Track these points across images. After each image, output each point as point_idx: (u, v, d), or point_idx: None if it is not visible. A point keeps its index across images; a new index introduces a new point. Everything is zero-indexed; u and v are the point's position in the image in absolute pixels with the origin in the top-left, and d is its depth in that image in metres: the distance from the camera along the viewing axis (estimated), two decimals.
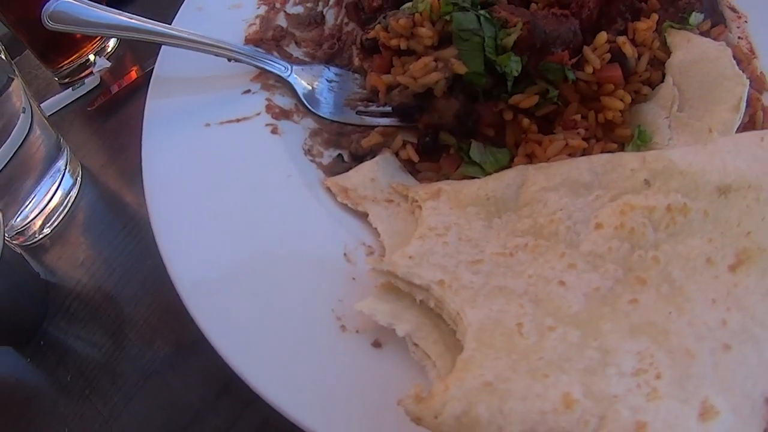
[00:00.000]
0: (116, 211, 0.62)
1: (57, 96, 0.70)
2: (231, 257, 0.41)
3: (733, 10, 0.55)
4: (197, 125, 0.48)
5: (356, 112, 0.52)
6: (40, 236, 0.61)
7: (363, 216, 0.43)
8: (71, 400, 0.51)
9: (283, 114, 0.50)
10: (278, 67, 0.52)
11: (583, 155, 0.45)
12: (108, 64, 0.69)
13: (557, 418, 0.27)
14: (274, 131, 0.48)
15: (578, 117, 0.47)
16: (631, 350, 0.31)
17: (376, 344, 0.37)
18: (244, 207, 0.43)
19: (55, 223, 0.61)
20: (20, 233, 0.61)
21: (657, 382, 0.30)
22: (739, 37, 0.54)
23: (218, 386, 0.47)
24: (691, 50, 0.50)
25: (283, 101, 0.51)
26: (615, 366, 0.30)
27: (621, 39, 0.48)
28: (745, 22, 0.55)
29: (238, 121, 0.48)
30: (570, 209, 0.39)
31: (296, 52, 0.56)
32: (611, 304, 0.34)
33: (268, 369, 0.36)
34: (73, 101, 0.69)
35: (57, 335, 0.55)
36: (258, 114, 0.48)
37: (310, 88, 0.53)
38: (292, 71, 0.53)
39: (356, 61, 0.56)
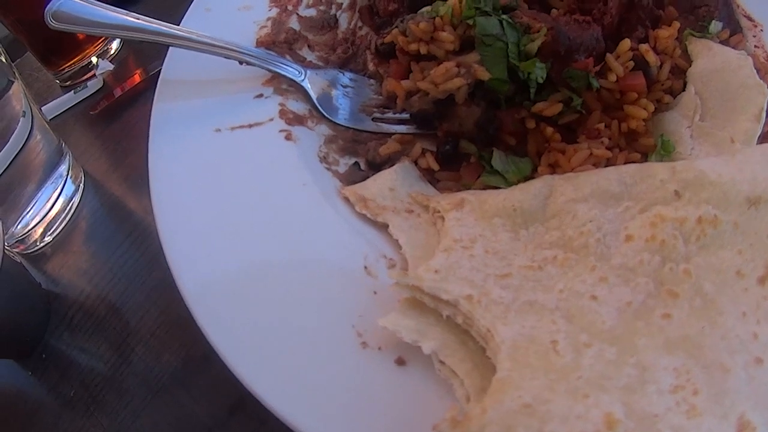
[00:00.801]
0: (120, 219, 0.59)
1: (58, 99, 0.67)
2: (244, 270, 0.39)
3: (749, 18, 0.55)
4: (207, 130, 0.46)
5: (372, 119, 0.51)
6: (42, 244, 0.59)
7: (383, 227, 0.42)
8: (75, 416, 0.49)
9: (297, 120, 0.48)
10: (291, 71, 0.51)
11: (607, 165, 0.44)
12: (111, 66, 0.67)
13: None
14: (288, 137, 0.46)
15: (602, 126, 0.46)
16: (668, 366, 0.31)
17: (400, 362, 0.35)
18: (258, 217, 0.41)
19: (57, 231, 0.59)
20: (21, 241, 0.58)
21: (695, 399, 0.29)
22: (755, 46, 0.53)
23: (230, 403, 0.45)
24: (712, 59, 0.49)
25: (297, 106, 0.49)
26: (654, 383, 0.30)
27: (644, 47, 0.47)
28: (761, 30, 0.54)
29: (250, 126, 0.46)
30: (600, 221, 0.38)
31: (309, 56, 0.55)
32: (645, 318, 0.33)
33: (284, 387, 0.34)
34: (75, 105, 0.67)
35: (60, 347, 0.53)
36: (271, 119, 0.47)
37: (325, 93, 0.51)
38: (305, 76, 0.51)
39: (371, 67, 0.55)
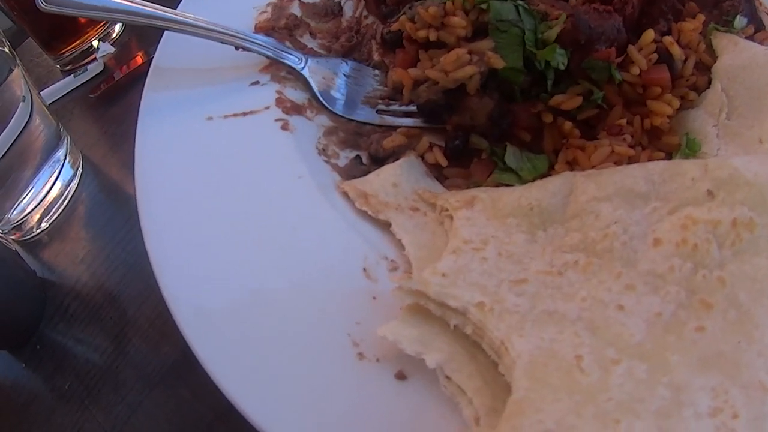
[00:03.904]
0: (119, 204, 0.53)
1: (58, 83, 0.61)
2: (231, 270, 0.32)
3: None
4: (198, 118, 0.39)
5: (376, 111, 0.43)
6: (38, 231, 0.52)
7: (384, 226, 0.35)
8: (69, 410, 0.43)
9: (295, 109, 0.41)
10: (291, 58, 0.43)
11: (629, 164, 0.36)
12: (112, 49, 0.60)
13: None
14: (285, 127, 0.39)
15: (623, 122, 0.38)
16: (704, 386, 0.25)
17: (400, 376, 0.28)
18: (248, 211, 0.35)
19: (54, 217, 0.52)
20: (17, 228, 0.52)
21: (735, 423, 0.24)
22: None
23: None
24: (739, 55, 0.42)
25: (296, 95, 0.42)
26: (690, 406, 0.24)
27: (668, 39, 0.40)
28: None
29: (244, 114, 0.39)
30: (625, 222, 0.31)
31: (311, 43, 0.47)
32: (676, 332, 0.27)
33: (272, 402, 0.28)
34: (75, 88, 0.60)
35: (55, 338, 0.47)
36: (267, 108, 0.40)
37: (326, 82, 0.44)
38: (306, 63, 0.44)
39: (376, 57, 0.47)
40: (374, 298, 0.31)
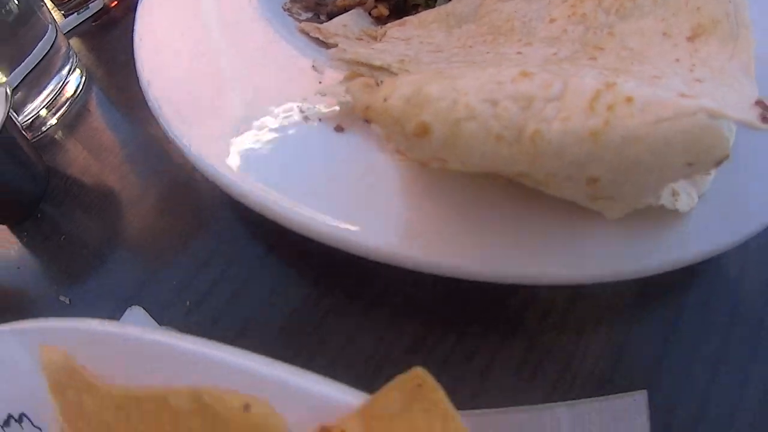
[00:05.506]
0: (120, 109, 0.60)
1: (64, 21, 0.71)
2: (203, 73, 0.39)
3: None
4: None
5: None
6: (46, 128, 0.59)
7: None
8: (65, 257, 0.47)
9: None
10: None
11: None
12: None
13: (516, 86, 0.23)
14: None
15: None
16: (591, 73, 0.26)
17: (339, 129, 0.34)
18: (224, 45, 0.42)
19: (63, 115, 0.60)
20: (28, 128, 0.59)
21: (622, 83, 0.23)
22: None
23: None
24: None
25: None
26: (577, 72, 0.25)
27: None
28: None
29: None
30: (525, 11, 0.37)
31: None
32: (570, 62, 0.30)
33: (238, 161, 0.34)
34: (78, 25, 0.71)
35: (55, 211, 0.52)
36: None
37: None
38: None
39: None
40: (320, 82, 0.37)
